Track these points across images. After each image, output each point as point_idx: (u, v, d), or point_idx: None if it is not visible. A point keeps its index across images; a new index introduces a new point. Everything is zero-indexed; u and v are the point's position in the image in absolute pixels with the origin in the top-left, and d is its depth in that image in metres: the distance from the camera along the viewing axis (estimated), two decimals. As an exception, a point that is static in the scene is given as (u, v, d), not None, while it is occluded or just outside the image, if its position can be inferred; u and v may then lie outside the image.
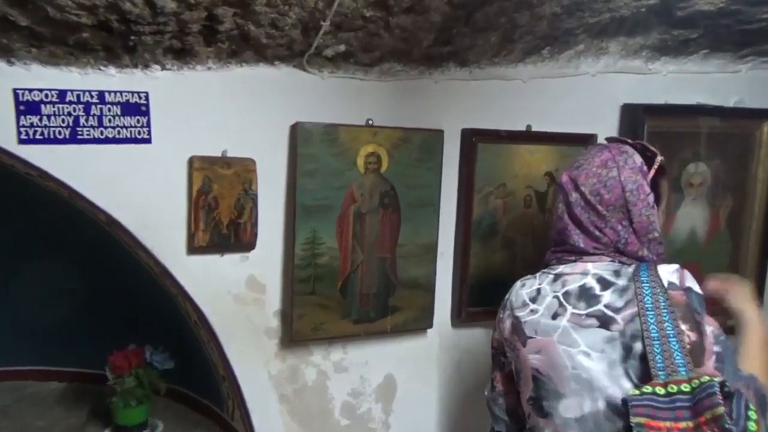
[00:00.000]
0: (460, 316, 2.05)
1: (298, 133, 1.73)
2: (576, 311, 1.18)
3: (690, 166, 2.27)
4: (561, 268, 1.26)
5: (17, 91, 1.47)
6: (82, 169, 1.55)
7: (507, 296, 1.36)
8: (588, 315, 1.16)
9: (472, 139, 1.96)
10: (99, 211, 1.59)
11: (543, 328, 1.21)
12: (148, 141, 1.60)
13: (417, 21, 1.54)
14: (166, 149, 1.63)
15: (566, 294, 1.21)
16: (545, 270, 1.31)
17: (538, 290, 1.27)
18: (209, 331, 1.77)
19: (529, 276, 1.36)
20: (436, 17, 1.54)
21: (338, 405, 1.97)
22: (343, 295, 1.86)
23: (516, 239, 2.09)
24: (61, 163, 1.53)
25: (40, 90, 1.49)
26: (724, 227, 2.38)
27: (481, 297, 2.07)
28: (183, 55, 1.54)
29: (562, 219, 1.28)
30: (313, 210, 1.77)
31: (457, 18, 1.57)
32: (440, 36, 1.65)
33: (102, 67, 1.52)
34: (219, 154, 1.68)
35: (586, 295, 1.18)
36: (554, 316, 1.20)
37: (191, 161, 1.65)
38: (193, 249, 1.69)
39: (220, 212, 1.69)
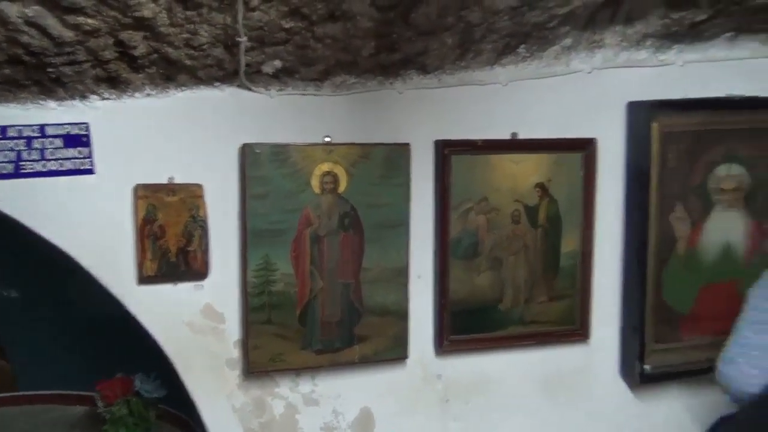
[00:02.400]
0: (442, 345, 1.87)
1: (246, 155, 1.65)
2: None
3: (720, 168, 1.95)
4: None
5: (-38, 129, 1.51)
6: (27, 202, 1.57)
7: None
8: None
9: (444, 151, 1.79)
10: (46, 243, 1.60)
11: None
12: (90, 171, 1.60)
13: (347, 28, 1.42)
14: (110, 179, 1.62)
15: None
16: None
17: None
18: (165, 361, 1.73)
19: None
20: (366, 23, 1.41)
21: (311, 440, 1.86)
22: (302, 324, 1.75)
23: (504, 259, 1.88)
24: (5, 197, 1.55)
25: (-18, 127, 1.52)
26: (771, 239, 2.02)
27: (466, 324, 1.88)
28: (117, 83, 1.52)
29: None
30: (265, 234, 1.69)
31: (390, 21, 1.43)
32: (381, 42, 1.52)
33: (41, 102, 1.54)
34: (165, 181, 1.65)
35: None
36: None
37: (135, 190, 1.62)
38: (142, 279, 1.66)
39: (167, 240, 1.65)
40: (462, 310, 1.87)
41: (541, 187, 1.87)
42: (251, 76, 1.59)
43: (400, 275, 1.81)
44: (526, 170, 1.86)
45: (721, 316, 2.01)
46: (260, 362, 1.73)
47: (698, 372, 2.00)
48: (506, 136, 1.85)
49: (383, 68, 1.66)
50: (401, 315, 1.82)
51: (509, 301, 1.90)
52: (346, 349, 1.79)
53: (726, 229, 1.98)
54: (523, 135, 1.85)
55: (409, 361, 1.88)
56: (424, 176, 1.81)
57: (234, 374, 1.79)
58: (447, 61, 1.69)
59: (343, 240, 1.75)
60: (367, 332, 1.80)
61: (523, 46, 1.71)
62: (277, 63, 1.53)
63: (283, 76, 1.62)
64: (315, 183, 1.71)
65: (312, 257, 1.73)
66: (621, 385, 2.03)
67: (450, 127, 1.82)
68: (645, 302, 1.91)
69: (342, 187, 1.73)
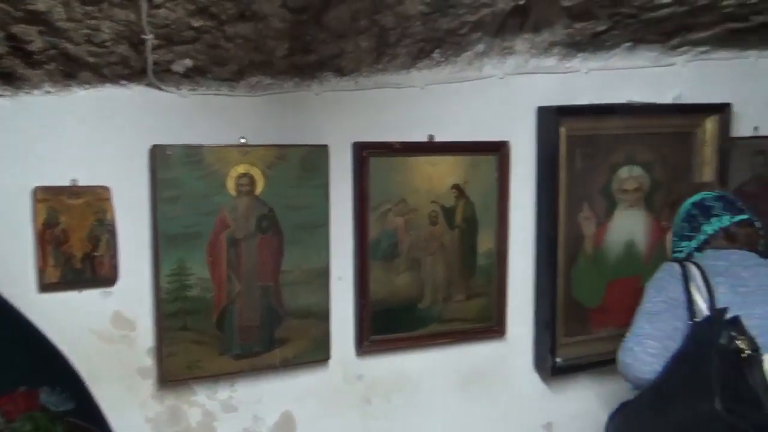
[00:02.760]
0: (363, 345, 1.89)
1: (156, 157, 1.60)
2: None
3: (622, 170, 2.07)
4: None
5: None
6: None
7: None
8: None
9: (362, 153, 1.80)
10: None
11: None
12: (-16, 173, 1.50)
13: (258, 29, 1.41)
14: (7, 181, 1.52)
15: None
16: None
17: None
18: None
19: None
20: (278, 23, 1.40)
21: (231, 447, 1.82)
22: (220, 330, 1.71)
23: (423, 259, 1.92)
24: None
25: None
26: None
27: (387, 324, 1.90)
28: (12, 79, 1.44)
29: None
30: (178, 239, 1.64)
31: (303, 23, 1.43)
32: (295, 44, 1.51)
33: (-70, 100, 1.43)
34: (68, 183, 1.56)
35: None
36: None
37: (34, 192, 1.53)
38: (44, 286, 1.57)
39: (71, 246, 1.57)
40: (382, 310, 1.89)
41: (458, 189, 1.92)
42: (160, 75, 1.55)
43: (321, 277, 1.80)
44: (443, 172, 1.90)
45: (625, 309, 2.14)
46: (176, 370, 1.68)
47: (606, 362, 2.11)
48: (423, 138, 1.89)
49: (299, 69, 1.65)
50: (323, 317, 1.82)
51: (428, 301, 1.94)
52: (266, 353, 1.77)
53: (629, 227, 2.11)
54: (439, 137, 1.89)
55: (330, 362, 1.88)
56: (343, 178, 1.82)
57: (147, 383, 1.72)
58: (363, 64, 1.70)
59: (261, 242, 1.73)
60: (288, 335, 1.78)
61: (437, 51, 1.75)
62: (188, 62, 1.50)
63: (194, 76, 1.58)
64: (230, 185, 1.68)
65: (229, 261, 1.70)
66: (536, 378, 2.12)
67: (368, 129, 1.83)
68: (556, 298, 2.00)
69: (259, 189, 1.71)
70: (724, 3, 1.62)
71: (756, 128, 2.28)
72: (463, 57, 1.83)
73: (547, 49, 1.90)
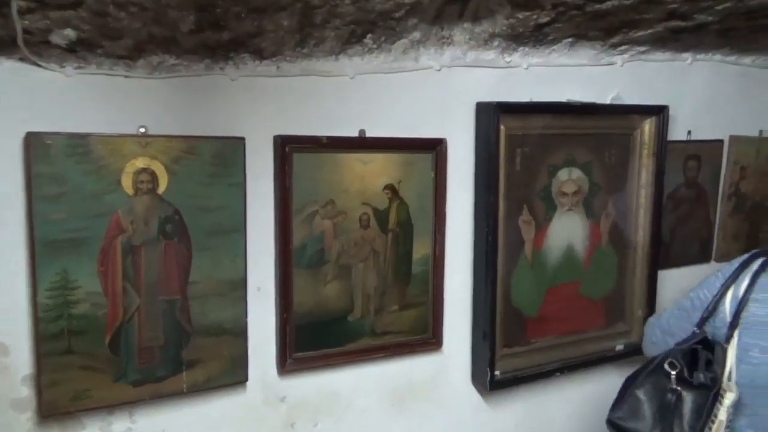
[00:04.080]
0: (285, 364, 1.68)
1: (31, 147, 1.33)
2: None
3: (561, 172, 1.98)
4: None
5: None
6: None
7: None
8: None
9: (285, 148, 1.60)
10: None
11: None
12: None
13: (158, -4, 1.18)
14: None
15: None
16: None
17: None
18: None
19: None
20: (182, -9, 1.18)
21: (129, 487, 1.57)
22: (114, 352, 1.46)
23: (353, 267, 1.74)
24: None
25: None
26: (606, 240, 2.10)
27: (313, 339, 1.71)
28: None
29: None
30: (61, 245, 1.37)
31: (212, -8, 1.21)
32: (203, 17, 1.29)
33: None
34: None
35: None
36: None
37: None
38: None
39: None
40: (308, 323, 1.69)
41: (391, 189, 1.76)
42: (37, 48, 1.28)
43: (237, 288, 1.58)
44: (375, 171, 1.73)
45: (565, 317, 2.07)
46: (59, 401, 1.41)
47: (545, 374, 2.02)
48: (354, 133, 1.71)
49: (211, 49, 1.43)
50: (238, 333, 1.60)
51: (359, 312, 1.76)
52: (172, 377, 1.52)
53: (568, 231, 2.02)
54: (371, 133, 1.72)
55: (248, 384, 1.66)
56: (262, 176, 1.61)
57: (23, 418, 1.44)
58: (286, 47, 1.50)
59: (165, 249, 1.49)
60: (198, 356, 1.55)
61: (369, 36, 1.58)
62: (70, 32, 1.24)
63: (81, 50, 1.32)
64: (127, 182, 1.43)
65: (125, 271, 1.45)
66: (473, 393, 1.99)
67: (292, 121, 1.63)
68: (495, 307, 1.88)
69: (162, 187, 1.47)
70: (669, -1, 1.55)
71: (689, 132, 2.27)
72: (397, 45, 1.67)
73: (487, 41, 1.77)
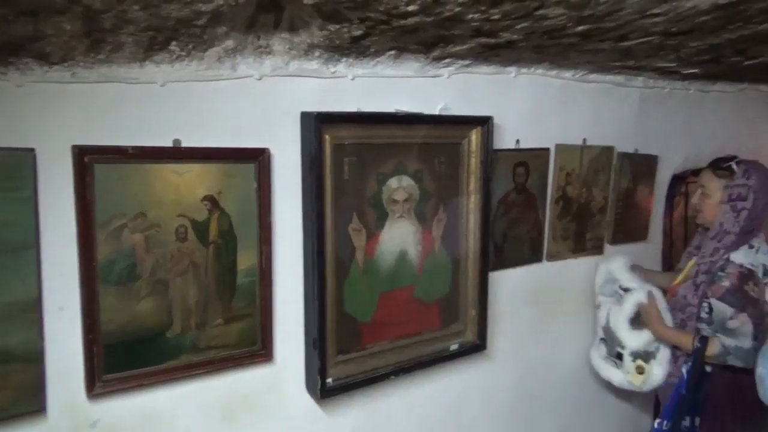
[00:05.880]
0: (95, 387, 1.59)
1: None
2: None
3: (392, 180, 2.04)
4: None
5: None
6: None
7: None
8: None
9: (84, 159, 1.51)
10: None
11: None
12: None
13: None
14: None
15: None
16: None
17: None
18: None
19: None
20: None
21: None
22: None
23: (170, 281, 1.68)
24: None
25: None
26: (439, 245, 2.19)
27: (125, 358, 1.63)
28: None
29: None
30: None
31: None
32: (-39, 19, 1.19)
33: None
34: None
35: None
36: None
37: None
38: None
39: None
40: (120, 342, 1.61)
41: (211, 200, 1.72)
42: None
43: (30, 310, 1.47)
44: (192, 182, 1.68)
45: (400, 321, 2.13)
46: None
47: (380, 378, 2.06)
48: (168, 143, 1.65)
49: (-16, 54, 1.32)
50: (32, 359, 1.48)
51: (178, 328, 1.70)
52: (-54, 412, 1.39)
53: (400, 237, 2.08)
54: (187, 143, 1.68)
55: (50, 413, 1.55)
56: (61, 189, 1.51)
57: None
58: (76, 52, 1.42)
59: (-65, 272, 1.35)
60: (-21, 387, 1.42)
61: (174, 43, 1.53)
62: None
63: None
64: None
65: None
66: (308, 401, 1.99)
67: (95, 130, 1.55)
68: (325, 315, 1.89)
69: (-71, 203, 1.33)
70: (469, 17, 1.63)
71: (518, 141, 2.42)
72: (210, 53, 1.64)
73: (307, 52, 1.78)
